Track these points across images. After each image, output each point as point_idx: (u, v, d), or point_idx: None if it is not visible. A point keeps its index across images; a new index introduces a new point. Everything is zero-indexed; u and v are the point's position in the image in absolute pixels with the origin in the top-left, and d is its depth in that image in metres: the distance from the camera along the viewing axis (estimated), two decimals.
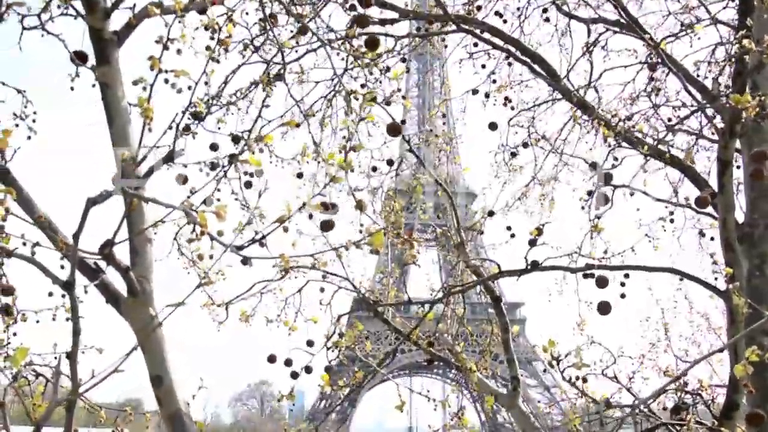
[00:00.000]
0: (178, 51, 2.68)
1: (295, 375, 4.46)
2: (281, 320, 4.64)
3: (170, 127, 2.63)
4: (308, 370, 4.52)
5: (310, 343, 4.56)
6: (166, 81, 2.69)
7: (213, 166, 2.55)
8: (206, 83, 2.83)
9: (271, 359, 4.49)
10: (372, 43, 2.52)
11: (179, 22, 2.71)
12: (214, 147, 4.73)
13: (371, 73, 5.14)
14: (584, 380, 4.78)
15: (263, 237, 2.32)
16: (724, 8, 7.51)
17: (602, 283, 3.66)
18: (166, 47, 2.47)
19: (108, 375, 2.20)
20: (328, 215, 2.45)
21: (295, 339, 4.56)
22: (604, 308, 3.66)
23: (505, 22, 7.23)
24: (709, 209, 6.60)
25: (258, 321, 4.91)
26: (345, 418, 71.38)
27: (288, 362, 4.46)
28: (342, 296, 5.08)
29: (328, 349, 4.58)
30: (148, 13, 2.76)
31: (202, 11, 3.41)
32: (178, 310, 2.75)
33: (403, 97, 4.97)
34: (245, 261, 2.36)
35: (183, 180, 2.71)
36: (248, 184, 3.24)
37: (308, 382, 4.66)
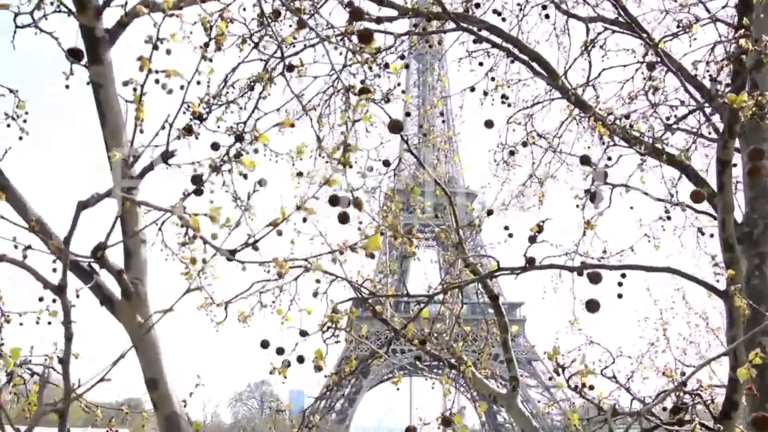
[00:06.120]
0: (168, 51, 2.63)
1: (287, 363, 4.44)
2: (275, 307, 4.62)
3: (163, 127, 2.59)
4: (300, 359, 4.51)
5: (303, 334, 4.55)
6: (157, 81, 2.64)
7: (212, 168, 2.52)
8: (198, 82, 2.78)
9: (264, 345, 4.48)
10: (365, 36, 2.48)
11: (173, 18, 2.67)
12: (215, 146, 4.70)
13: (370, 69, 5.11)
14: (591, 387, 4.75)
15: (256, 241, 2.28)
16: (724, 7, 7.49)
17: (595, 279, 3.60)
18: (155, 47, 2.42)
19: (97, 383, 2.16)
20: (341, 208, 2.42)
21: (290, 330, 4.53)
22: (592, 306, 3.64)
23: (503, 20, 7.22)
24: (708, 208, 6.58)
25: (257, 321, 4.89)
26: (345, 418, 71.39)
27: (280, 351, 4.45)
28: (341, 293, 5.06)
29: (323, 332, 4.56)
30: (136, 13, 2.71)
31: None
32: (177, 310, 2.72)
33: (403, 92, 4.94)
34: (230, 257, 2.32)
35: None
36: (247, 196, 3.21)
37: (309, 383, 4.65)
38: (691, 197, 3.42)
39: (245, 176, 2.50)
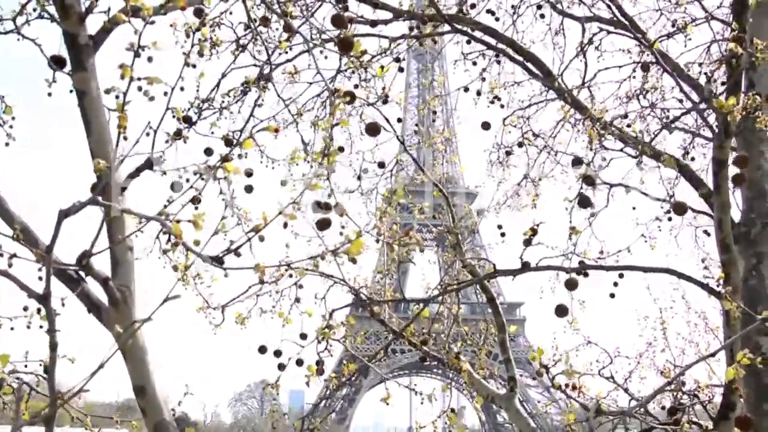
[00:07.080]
0: (149, 59, 2.60)
1: (282, 367, 4.46)
2: (275, 312, 4.63)
3: (148, 134, 2.57)
4: (299, 362, 4.52)
5: (303, 336, 4.56)
6: (140, 89, 2.61)
7: (197, 174, 2.49)
8: (182, 88, 2.76)
9: (262, 350, 4.49)
10: (346, 44, 2.42)
11: (154, 24, 2.63)
12: (208, 152, 4.70)
13: (358, 69, 5.10)
14: (574, 387, 4.76)
15: (238, 248, 2.27)
16: (719, 6, 7.49)
17: (572, 285, 3.61)
18: (137, 54, 2.39)
19: (75, 393, 2.15)
20: (324, 214, 2.40)
21: (290, 332, 4.55)
22: (561, 311, 3.67)
23: (497, 20, 7.20)
24: (707, 208, 6.57)
25: (255, 321, 4.89)
26: (345, 418, 71.43)
27: (277, 353, 4.47)
28: (341, 295, 5.07)
29: (318, 342, 4.57)
30: (116, 20, 2.67)
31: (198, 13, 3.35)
32: (177, 309, 2.71)
33: (386, 97, 4.93)
34: (212, 264, 2.30)
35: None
36: (249, 189, 3.20)
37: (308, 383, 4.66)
38: (673, 209, 3.42)
39: (227, 180, 2.47)
